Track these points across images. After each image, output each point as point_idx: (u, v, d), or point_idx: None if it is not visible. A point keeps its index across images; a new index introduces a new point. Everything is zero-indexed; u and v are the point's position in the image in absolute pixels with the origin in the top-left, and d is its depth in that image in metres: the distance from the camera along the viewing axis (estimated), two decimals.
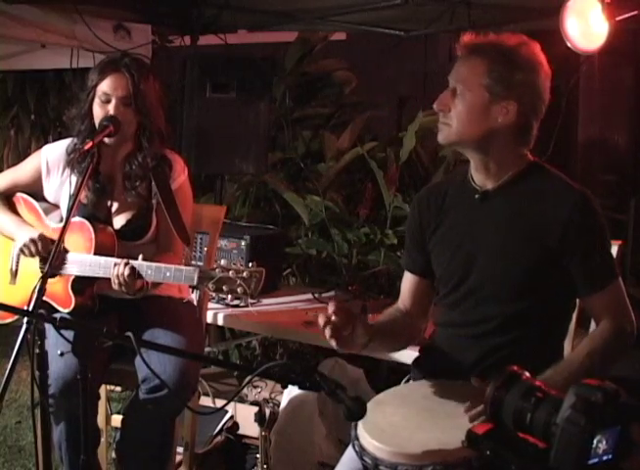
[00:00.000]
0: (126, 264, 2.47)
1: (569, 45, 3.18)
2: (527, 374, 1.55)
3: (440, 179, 2.31)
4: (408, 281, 2.26)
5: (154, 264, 2.48)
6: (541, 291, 2.02)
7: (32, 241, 2.65)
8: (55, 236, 2.63)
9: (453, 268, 2.12)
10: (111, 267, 2.50)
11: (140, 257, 2.51)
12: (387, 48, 4.68)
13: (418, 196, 2.29)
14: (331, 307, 1.88)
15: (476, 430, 1.56)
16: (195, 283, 2.38)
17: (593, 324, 2.19)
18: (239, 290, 2.29)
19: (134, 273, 2.47)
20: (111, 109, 2.64)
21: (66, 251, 2.60)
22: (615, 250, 2.33)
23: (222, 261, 2.35)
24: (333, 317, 1.87)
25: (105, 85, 2.65)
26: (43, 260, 2.69)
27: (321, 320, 1.88)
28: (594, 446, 1.33)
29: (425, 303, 2.26)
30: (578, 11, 3.15)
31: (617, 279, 2.02)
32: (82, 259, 2.59)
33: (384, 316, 2.20)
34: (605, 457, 1.34)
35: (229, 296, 2.36)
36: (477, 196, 2.09)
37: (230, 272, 2.31)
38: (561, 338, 2.11)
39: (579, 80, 3.95)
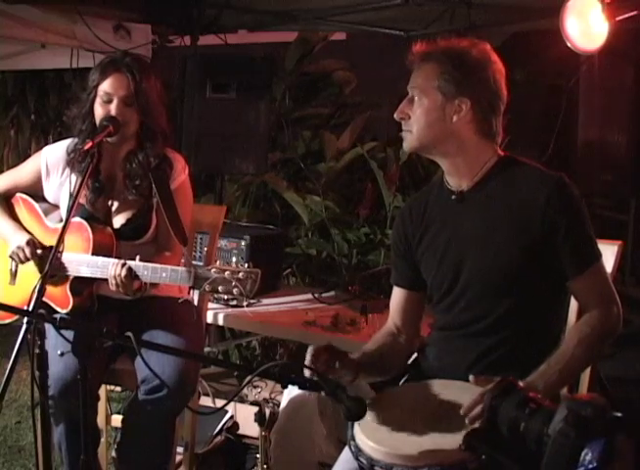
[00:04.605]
0: (123, 265, 2.47)
1: (569, 45, 3.18)
2: (522, 384, 1.68)
3: (420, 191, 2.36)
4: (397, 296, 2.28)
5: (150, 265, 2.48)
6: (531, 284, 2.02)
7: (19, 248, 2.66)
8: (54, 237, 2.62)
9: (443, 273, 2.13)
10: (107, 268, 2.50)
11: (137, 257, 2.50)
12: (387, 48, 4.68)
13: (400, 211, 2.34)
14: (309, 353, 1.92)
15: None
16: (190, 284, 2.38)
17: (572, 314, 2.20)
18: (235, 291, 2.29)
19: (131, 274, 2.46)
20: (112, 109, 2.64)
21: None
22: (615, 250, 2.33)
23: (218, 262, 2.35)
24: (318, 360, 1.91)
25: (106, 85, 2.65)
26: (39, 262, 2.69)
27: (308, 358, 1.91)
28: (582, 457, 1.42)
29: (415, 317, 2.28)
30: (578, 11, 3.15)
31: (600, 260, 2.04)
32: (80, 260, 2.59)
33: (371, 344, 2.20)
34: (590, 466, 1.42)
35: (225, 296, 2.35)
36: (453, 197, 2.12)
37: (226, 273, 2.30)
38: (558, 331, 2.10)
39: (579, 80, 3.95)
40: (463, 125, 2.05)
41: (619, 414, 1.49)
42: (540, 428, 1.51)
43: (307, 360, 1.91)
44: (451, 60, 2.04)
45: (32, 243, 2.67)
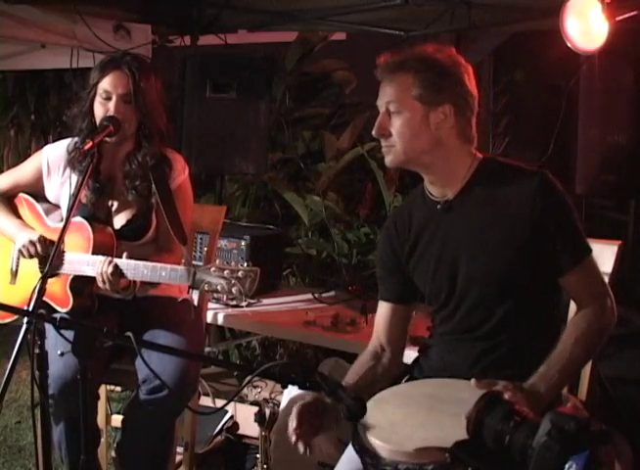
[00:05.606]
0: (109, 262, 2.47)
1: (569, 45, 3.17)
2: (507, 397, 1.72)
3: (401, 204, 2.32)
4: (384, 311, 2.25)
5: (150, 264, 2.48)
6: (527, 284, 2.02)
7: (31, 243, 2.65)
8: (54, 236, 2.63)
9: (439, 284, 2.12)
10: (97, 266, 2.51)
11: (124, 255, 2.50)
12: (387, 48, 4.69)
13: (385, 227, 2.30)
14: (292, 423, 1.89)
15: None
16: (189, 283, 2.38)
17: (572, 311, 2.19)
18: (234, 290, 2.29)
19: (117, 271, 2.47)
20: (111, 107, 2.64)
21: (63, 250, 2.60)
22: (615, 250, 2.33)
23: (217, 261, 2.35)
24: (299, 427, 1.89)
25: (105, 83, 2.65)
26: (42, 261, 2.69)
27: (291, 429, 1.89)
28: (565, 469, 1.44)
29: (401, 332, 2.25)
30: (578, 11, 3.14)
31: (591, 254, 2.03)
32: (80, 259, 2.59)
33: (352, 375, 2.15)
34: None
35: (224, 296, 2.35)
36: (438, 207, 2.10)
37: (225, 272, 2.30)
38: (557, 328, 2.10)
39: (579, 80, 3.94)
40: (446, 131, 2.02)
41: (603, 427, 1.52)
42: (525, 441, 1.53)
43: (291, 427, 1.88)
44: (425, 66, 2.01)
45: (43, 239, 2.67)
